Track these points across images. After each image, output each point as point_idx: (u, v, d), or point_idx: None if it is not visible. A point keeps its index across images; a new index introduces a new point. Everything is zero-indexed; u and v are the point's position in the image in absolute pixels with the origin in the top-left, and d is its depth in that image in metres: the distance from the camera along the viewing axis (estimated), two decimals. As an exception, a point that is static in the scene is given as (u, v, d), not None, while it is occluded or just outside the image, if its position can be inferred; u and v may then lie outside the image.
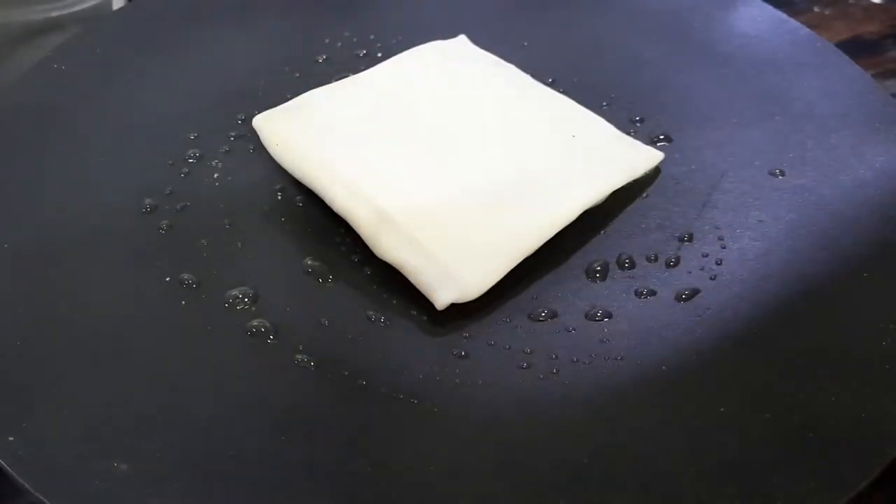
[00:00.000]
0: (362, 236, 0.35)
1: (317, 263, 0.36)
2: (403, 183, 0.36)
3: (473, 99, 0.40)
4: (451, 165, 0.37)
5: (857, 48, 0.46)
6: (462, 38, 0.45)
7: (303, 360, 0.32)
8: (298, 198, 0.38)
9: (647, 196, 0.39)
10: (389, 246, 0.34)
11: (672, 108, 0.43)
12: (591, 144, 0.39)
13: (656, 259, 0.36)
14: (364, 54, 0.46)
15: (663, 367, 0.31)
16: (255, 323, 0.33)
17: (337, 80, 0.44)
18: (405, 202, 0.35)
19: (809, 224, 0.37)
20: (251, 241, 0.36)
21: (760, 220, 0.37)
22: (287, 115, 0.39)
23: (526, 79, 0.42)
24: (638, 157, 0.39)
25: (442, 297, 0.33)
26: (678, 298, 0.34)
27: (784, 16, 0.48)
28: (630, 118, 0.43)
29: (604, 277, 0.35)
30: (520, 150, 0.38)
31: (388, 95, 0.40)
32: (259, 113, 0.38)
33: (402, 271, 0.34)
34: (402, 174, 0.36)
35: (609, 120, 0.41)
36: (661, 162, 0.40)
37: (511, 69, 0.43)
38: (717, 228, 0.37)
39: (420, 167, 0.36)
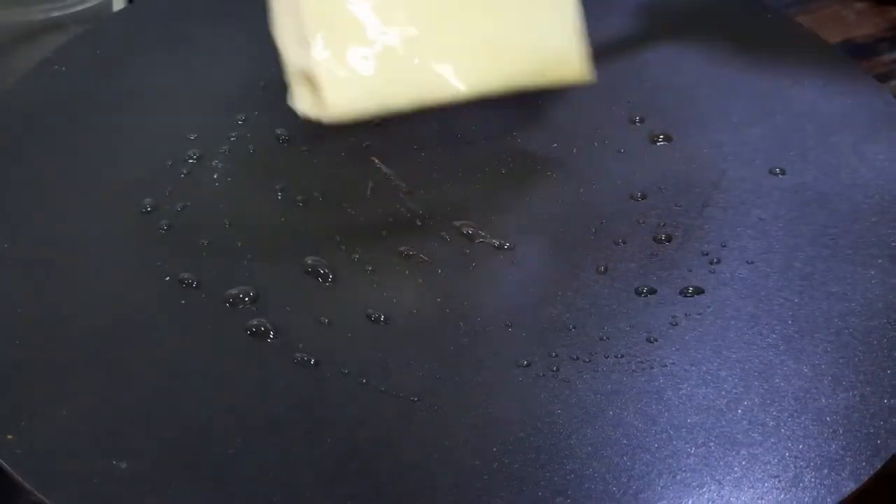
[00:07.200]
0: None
1: (317, 263, 0.36)
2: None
3: None
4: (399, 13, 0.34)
5: (849, 51, 0.46)
6: None
7: (303, 359, 0.32)
8: (298, 198, 0.38)
9: (646, 196, 0.39)
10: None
11: (672, 108, 0.43)
12: (535, 23, 0.37)
13: (656, 257, 0.36)
14: (364, 54, 0.46)
15: (663, 366, 0.31)
16: (254, 323, 0.33)
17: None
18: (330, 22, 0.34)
19: (810, 222, 0.37)
20: (251, 241, 0.36)
21: (761, 219, 0.37)
22: None
23: None
24: (571, 65, 0.37)
25: (299, 105, 0.32)
26: (679, 297, 0.34)
27: (785, 15, 0.48)
28: (630, 118, 0.43)
29: (603, 276, 0.35)
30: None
31: None
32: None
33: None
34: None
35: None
36: (661, 162, 0.40)
37: None
38: (718, 228, 0.37)
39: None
